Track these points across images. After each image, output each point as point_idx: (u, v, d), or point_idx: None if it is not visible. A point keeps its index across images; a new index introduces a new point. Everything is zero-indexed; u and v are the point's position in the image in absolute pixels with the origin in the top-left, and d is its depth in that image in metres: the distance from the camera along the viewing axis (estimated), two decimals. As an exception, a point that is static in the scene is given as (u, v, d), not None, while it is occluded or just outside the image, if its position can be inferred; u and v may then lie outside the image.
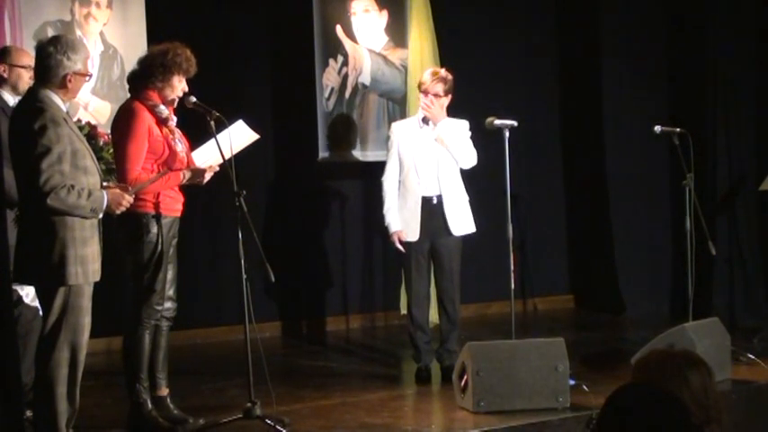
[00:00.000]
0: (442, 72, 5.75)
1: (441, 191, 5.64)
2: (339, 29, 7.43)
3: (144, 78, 4.72)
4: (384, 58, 7.60)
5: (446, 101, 5.68)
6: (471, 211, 5.78)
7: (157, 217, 4.65)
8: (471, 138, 5.74)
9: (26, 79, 4.74)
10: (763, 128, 7.81)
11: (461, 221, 5.69)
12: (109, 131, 5.34)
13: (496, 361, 4.94)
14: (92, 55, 6.41)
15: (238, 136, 4.82)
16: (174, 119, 4.79)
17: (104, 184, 4.38)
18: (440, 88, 5.62)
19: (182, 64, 4.70)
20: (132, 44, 6.57)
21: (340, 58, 7.45)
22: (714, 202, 7.55)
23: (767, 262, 7.79)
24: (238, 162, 4.71)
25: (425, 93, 5.64)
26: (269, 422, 4.59)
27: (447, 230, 5.66)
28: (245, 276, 4.53)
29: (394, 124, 5.96)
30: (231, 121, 4.77)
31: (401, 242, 5.69)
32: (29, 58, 4.80)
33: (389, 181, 5.71)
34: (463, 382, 4.99)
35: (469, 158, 5.66)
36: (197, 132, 4.90)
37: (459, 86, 6.53)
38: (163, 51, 4.69)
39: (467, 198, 5.76)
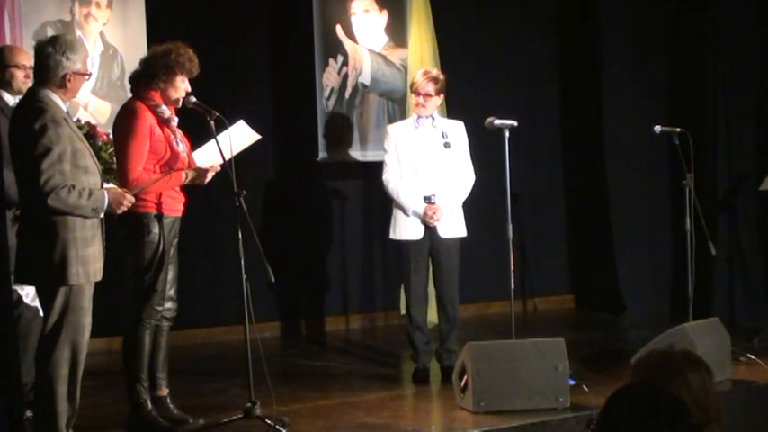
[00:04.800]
0: (434, 72, 5.80)
1: (437, 190, 5.64)
2: (339, 29, 7.43)
3: (147, 78, 4.71)
4: (384, 58, 7.60)
5: (438, 100, 5.71)
6: (466, 215, 5.78)
7: (159, 217, 4.65)
8: (469, 137, 5.76)
9: (20, 78, 4.73)
10: (763, 128, 7.81)
11: (451, 224, 5.69)
12: (108, 131, 5.35)
13: (496, 361, 4.94)
14: (92, 55, 6.41)
15: (239, 136, 4.83)
16: (176, 119, 4.79)
17: (105, 186, 4.38)
18: (431, 88, 5.64)
19: (185, 64, 4.69)
20: (132, 44, 6.57)
21: (340, 58, 7.45)
22: (714, 202, 7.55)
23: (767, 262, 7.79)
24: (238, 162, 4.71)
25: (417, 93, 5.67)
26: (269, 422, 4.59)
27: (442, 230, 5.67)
28: (245, 276, 4.53)
29: (389, 127, 5.97)
30: (232, 121, 4.77)
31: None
32: (23, 57, 4.79)
33: (395, 178, 5.69)
34: (463, 382, 4.99)
35: (469, 186, 5.73)
36: (198, 132, 4.90)
37: (459, 86, 6.54)
38: (166, 52, 4.68)
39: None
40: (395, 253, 6.14)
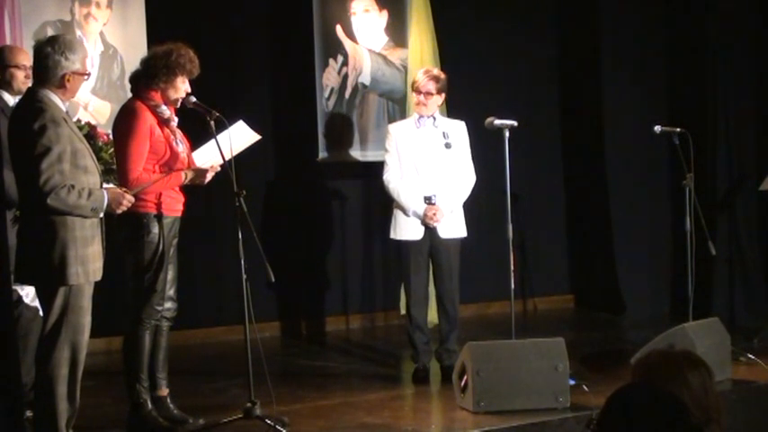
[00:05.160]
0: (435, 71, 5.81)
1: (437, 191, 5.64)
2: (339, 29, 7.43)
3: (147, 79, 4.71)
4: (384, 57, 7.60)
5: (439, 99, 5.71)
6: (466, 215, 5.78)
7: (158, 217, 4.65)
8: (469, 137, 5.76)
9: (20, 78, 4.73)
10: (763, 128, 7.81)
11: (452, 224, 5.69)
12: (108, 131, 5.35)
13: (496, 361, 4.94)
14: (92, 55, 6.41)
15: (239, 136, 4.82)
16: (176, 119, 4.79)
17: (105, 186, 4.38)
18: (432, 86, 5.65)
19: (185, 65, 4.68)
20: (132, 44, 6.57)
21: (340, 58, 7.45)
22: (714, 202, 7.55)
23: (767, 262, 7.79)
24: (238, 162, 4.71)
25: (418, 91, 5.67)
26: (269, 422, 4.60)
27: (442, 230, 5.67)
28: (245, 276, 4.53)
29: (390, 126, 5.97)
30: (231, 121, 4.77)
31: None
32: (23, 57, 4.79)
33: (395, 178, 5.69)
34: (463, 382, 4.99)
35: (470, 187, 5.73)
36: (198, 132, 4.90)
37: (459, 86, 6.53)
38: (166, 52, 4.68)
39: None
40: (395, 253, 6.14)
